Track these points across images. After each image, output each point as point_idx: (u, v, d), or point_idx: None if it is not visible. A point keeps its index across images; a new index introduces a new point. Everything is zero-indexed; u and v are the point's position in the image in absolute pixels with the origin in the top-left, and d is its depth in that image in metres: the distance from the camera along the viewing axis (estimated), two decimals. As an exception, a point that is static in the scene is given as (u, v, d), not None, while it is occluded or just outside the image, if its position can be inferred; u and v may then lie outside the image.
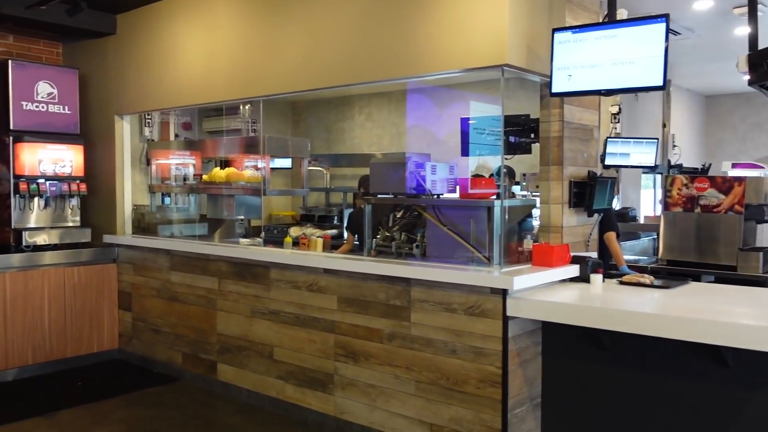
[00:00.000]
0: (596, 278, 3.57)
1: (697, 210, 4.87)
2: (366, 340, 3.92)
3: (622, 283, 3.61)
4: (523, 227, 4.06)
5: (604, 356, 3.25)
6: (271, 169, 5.46)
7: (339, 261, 4.09)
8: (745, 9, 4.26)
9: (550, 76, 3.51)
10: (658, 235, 5.19)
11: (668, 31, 3.10)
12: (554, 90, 3.48)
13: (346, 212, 6.61)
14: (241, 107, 6.04)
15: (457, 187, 4.11)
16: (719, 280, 4.70)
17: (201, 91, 5.09)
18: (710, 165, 7.27)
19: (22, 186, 5.42)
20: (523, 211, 3.97)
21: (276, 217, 7.09)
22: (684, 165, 7.77)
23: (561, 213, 3.79)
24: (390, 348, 3.79)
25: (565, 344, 3.39)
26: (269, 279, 4.50)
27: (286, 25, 4.47)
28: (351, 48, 4.06)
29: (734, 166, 8.09)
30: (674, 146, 7.72)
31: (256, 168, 5.62)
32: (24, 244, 5.43)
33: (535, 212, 4.15)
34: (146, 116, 6.00)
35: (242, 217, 5.73)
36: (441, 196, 3.97)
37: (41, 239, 5.53)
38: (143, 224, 5.92)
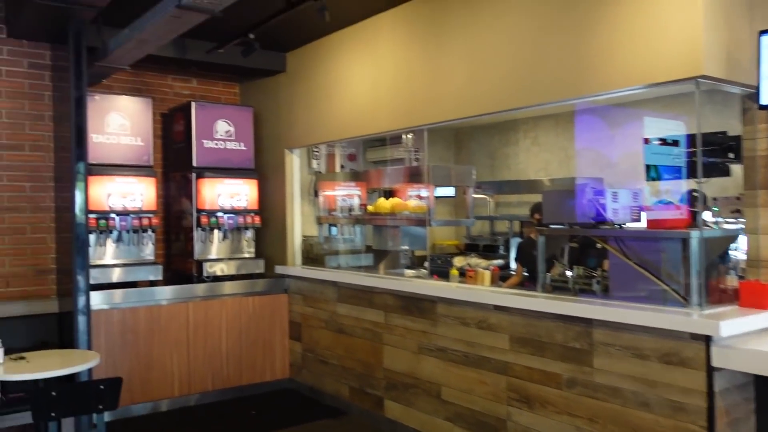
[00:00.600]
0: (825, 324, 3.12)
1: None
2: (542, 385, 3.74)
3: None
4: (724, 261, 3.68)
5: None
6: (435, 198, 5.41)
7: (510, 297, 3.96)
8: None
9: (757, 86, 3.21)
10: None
11: None
12: (763, 102, 3.13)
13: (513, 241, 6.46)
14: (404, 136, 6.00)
15: (643, 216, 3.81)
16: None
17: (366, 122, 5.20)
18: None
19: (203, 219, 5.81)
20: (725, 243, 3.60)
21: (439, 247, 6.96)
22: None
23: (774, 245, 3.37)
24: (569, 395, 3.58)
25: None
26: (436, 314, 4.45)
27: (449, 49, 4.46)
28: (517, 68, 3.96)
29: None
30: None
31: (420, 197, 5.60)
32: (204, 274, 5.81)
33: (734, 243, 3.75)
34: (313, 149, 6.21)
35: (407, 247, 5.79)
36: (624, 225, 3.71)
37: (219, 270, 5.88)
38: (312, 255, 6.07)
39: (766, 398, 3.12)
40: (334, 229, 6.20)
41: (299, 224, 6.19)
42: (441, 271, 5.14)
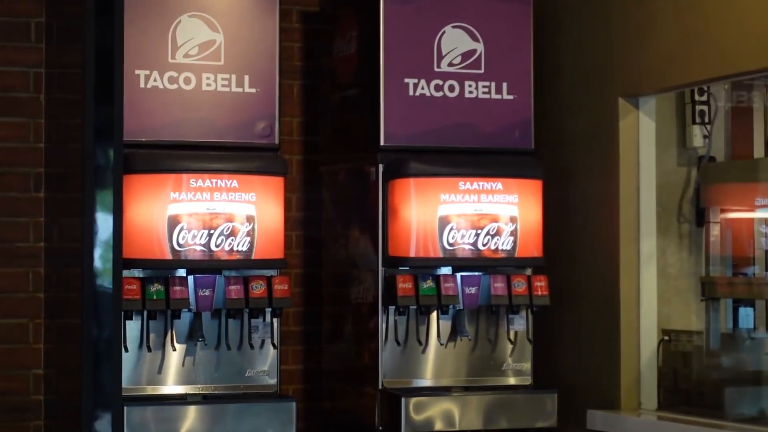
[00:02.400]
0: None
1: None
2: None
3: None
4: None
5: None
6: None
7: None
8: None
9: None
10: None
11: None
12: None
13: None
14: None
15: None
16: None
17: None
18: None
19: (404, 286, 3.80)
20: None
21: None
22: None
23: None
24: None
25: None
26: None
27: None
28: None
29: None
30: None
31: None
32: (404, 425, 3.96)
33: None
34: (696, 99, 4.04)
35: None
36: None
37: (443, 418, 3.94)
38: (687, 383, 3.98)
39: None
40: (747, 315, 4.00)
41: (654, 300, 3.90)
42: None
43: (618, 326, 3.80)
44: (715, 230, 3.89)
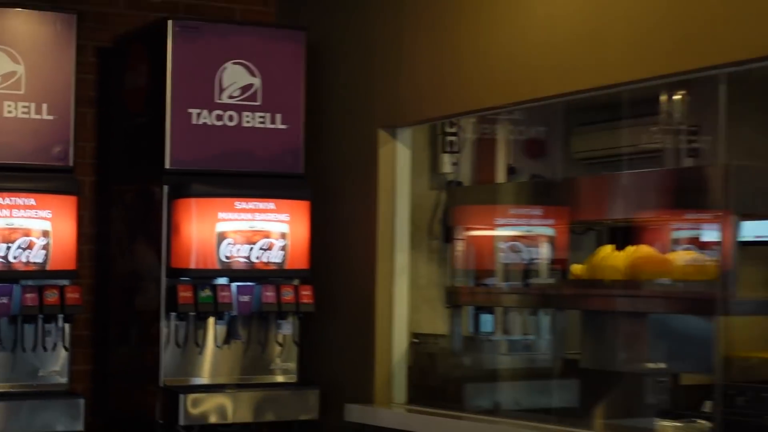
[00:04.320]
0: None
1: None
2: None
3: None
4: None
5: None
6: (737, 244, 4.21)
7: None
8: None
9: None
10: None
11: None
12: None
13: None
14: (662, 99, 4.68)
15: None
16: None
17: (579, 65, 4.21)
18: None
19: (184, 294, 4.45)
20: None
21: (741, 364, 5.32)
22: None
23: None
24: None
25: None
26: None
27: None
28: None
29: None
30: None
31: (698, 244, 4.60)
32: (182, 421, 4.49)
33: None
34: (446, 131, 4.92)
35: (663, 366, 4.62)
36: None
37: (216, 413, 4.56)
38: (433, 381, 4.79)
39: None
40: (486, 321, 4.94)
41: (405, 307, 4.83)
42: (749, 426, 4.31)
43: (373, 330, 4.68)
44: (460, 246, 4.73)
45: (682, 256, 4.31)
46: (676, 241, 4.50)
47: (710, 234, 4.27)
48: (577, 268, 4.42)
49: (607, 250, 4.32)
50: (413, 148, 4.89)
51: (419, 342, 4.79)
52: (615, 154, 4.88)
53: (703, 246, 4.33)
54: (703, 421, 4.06)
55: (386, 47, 4.95)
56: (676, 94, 4.50)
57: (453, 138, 4.87)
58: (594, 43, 4.07)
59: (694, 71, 3.67)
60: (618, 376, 4.39)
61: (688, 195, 4.24)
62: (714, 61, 3.55)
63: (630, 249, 4.26)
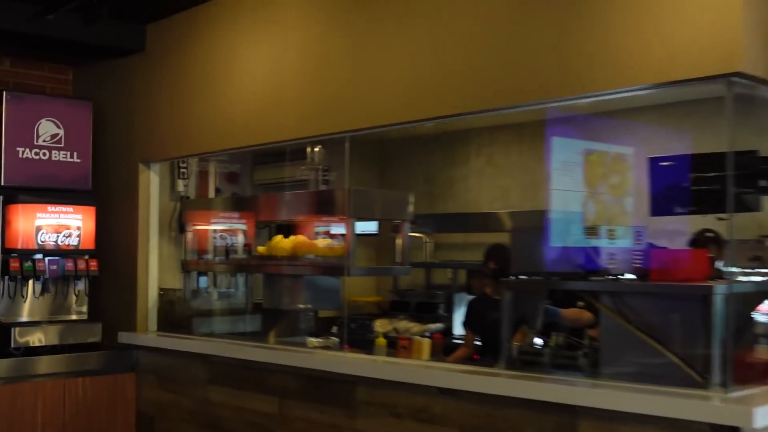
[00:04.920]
0: None
1: None
2: None
3: None
4: (751, 326, 3.87)
5: None
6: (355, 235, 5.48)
7: (463, 377, 4.01)
8: None
9: None
10: None
11: None
12: None
13: (458, 298, 6.68)
14: (309, 150, 6.02)
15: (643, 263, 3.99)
16: None
17: (262, 127, 5.26)
18: None
19: (13, 264, 5.63)
20: (757, 301, 3.82)
21: (354, 305, 7.03)
22: None
23: (824, 305, 3.46)
24: None
25: None
26: (355, 401, 4.47)
27: (385, 31, 4.57)
28: (484, 57, 4.07)
29: None
30: None
31: (330, 235, 5.78)
32: (12, 345, 5.58)
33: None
34: (180, 165, 6.26)
35: (309, 306, 5.87)
36: (621, 277, 3.90)
37: (35, 339, 5.69)
38: (173, 317, 6.07)
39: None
40: (204, 280, 6.29)
41: (155, 272, 6.17)
42: (357, 340, 5.36)
43: (136, 286, 6.08)
44: (189, 236, 6.17)
45: (322, 242, 5.57)
46: (318, 233, 5.79)
47: (338, 229, 5.66)
48: (260, 249, 5.79)
49: (278, 238, 5.63)
50: (160, 175, 6.23)
51: (164, 293, 6.16)
52: (280, 182, 6.54)
53: (334, 236, 5.69)
54: (333, 338, 5.36)
55: (143, 107, 6.21)
56: (316, 147, 5.89)
57: (184, 169, 6.29)
58: (274, 108, 5.20)
59: (328, 134, 4.98)
60: (285, 312, 5.77)
61: (324, 206, 5.64)
62: (339, 127, 4.86)
63: (292, 237, 5.59)
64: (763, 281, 3.84)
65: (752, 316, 3.99)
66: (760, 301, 3.88)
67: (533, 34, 3.90)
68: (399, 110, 4.49)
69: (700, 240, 4.82)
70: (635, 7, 3.57)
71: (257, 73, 5.38)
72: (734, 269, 4.32)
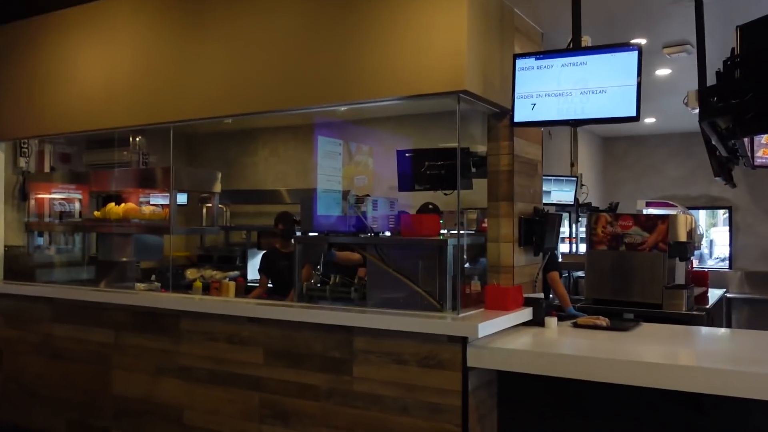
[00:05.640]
0: (551, 321, 3.69)
1: (622, 248, 5.09)
2: (299, 399, 3.92)
3: (576, 326, 3.68)
4: (473, 267, 4.11)
5: (568, 408, 3.27)
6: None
7: (266, 308, 4.12)
8: (676, 48, 4.61)
9: (512, 105, 3.68)
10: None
11: (641, 60, 3.21)
12: (517, 119, 3.63)
13: (250, 252, 6.82)
14: (131, 138, 6.08)
15: (395, 224, 4.23)
16: (645, 317, 4.85)
17: (97, 115, 5.05)
18: (618, 204, 7.68)
19: None
20: (475, 250, 3.98)
21: (170, 259, 6.78)
22: (591, 204, 8.13)
23: (512, 252, 3.87)
24: (328, 406, 3.82)
25: (524, 396, 3.41)
26: (179, 330, 4.44)
27: (204, 41, 4.52)
28: (283, 69, 4.14)
29: (648, 204, 8.62)
30: (582, 185, 8.09)
31: (152, 204, 5.69)
32: None
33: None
34: (22, 144, 5.95)
35: (134, 258, 5.72)
36: (382, 234, 4.16)
37: None
38: (17, 268, 5.72)
39: (506, 392, 3.48)
40: (39, 239, 6.00)
41: (1, 231, 5.76)
42: (173, 285, 5.13)
43: None
44: (32, 202, 5.76)
45: (147, 208, 5.53)
46: (147, 202, 5.67)
47: (158, 199, 5.66)
48: (96, 213, 5.64)
49: (112, 204, 5.56)
50: (6, 152, 5.77)
51: (8, 249, 5.74)
52: (108, 163, 6.33)
53: (155, 205, 5.59)
54: (156, 283, 5.08)
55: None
56: (136, 136, 5.99)
57: (25, 149, 5.88)
58: (108, 100, 4.88)
59: (155, 123, 4.71)
60: (115, 264, 5.62)
61: (151, 181, 5.52)
62: (164, 118, 4.60)
63: (123, 204, 5.51)
64: (475, 238, 4.11)
65: (480, 260, 4.28)
66: (471, 251, 4.13)
67: (318, 52, 4.05)
68: (210, 107, 4.44)
69: (424, 210, 5.07)
70: (398, 33, 3.73)
71: (91, 70, 5.12)
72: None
